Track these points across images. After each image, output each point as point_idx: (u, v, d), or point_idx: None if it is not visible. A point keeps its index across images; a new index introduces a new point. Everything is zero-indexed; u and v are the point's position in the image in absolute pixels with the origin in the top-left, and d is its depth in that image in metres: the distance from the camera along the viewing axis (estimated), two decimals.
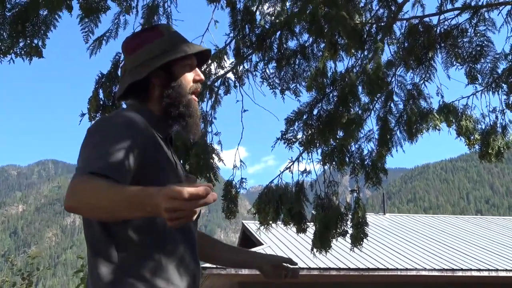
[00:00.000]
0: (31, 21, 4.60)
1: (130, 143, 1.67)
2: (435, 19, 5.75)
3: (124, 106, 2.01)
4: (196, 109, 1.94)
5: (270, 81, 5.63)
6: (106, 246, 1.70)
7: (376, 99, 5.90)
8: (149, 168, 1.74)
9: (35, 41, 4.67)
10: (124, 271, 1.68)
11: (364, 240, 6.00)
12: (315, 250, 5.90)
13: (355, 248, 6.04)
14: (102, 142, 1.66)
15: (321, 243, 5.75)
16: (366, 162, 5.96)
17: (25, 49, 4.66)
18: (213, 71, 5.51)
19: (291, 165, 5.90)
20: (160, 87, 1.91)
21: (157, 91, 1.91)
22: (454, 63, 5.77)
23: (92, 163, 1.59)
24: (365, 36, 5.46)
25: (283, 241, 13.98)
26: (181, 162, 2.10)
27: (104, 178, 1.54)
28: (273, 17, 5.59)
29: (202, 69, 3.66)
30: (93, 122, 1.83)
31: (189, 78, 1.94)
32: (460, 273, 12.29)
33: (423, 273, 12.19)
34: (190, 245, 1.82)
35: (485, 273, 12.39)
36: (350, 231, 5.97)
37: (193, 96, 1.95)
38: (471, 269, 12.41)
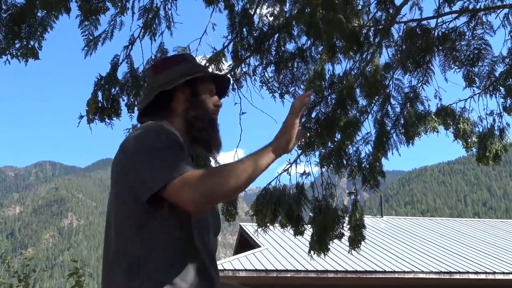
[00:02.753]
0: (27, 22, 4.60)
1: (183, 150, 1.89)
2: (433, 22, 5.76)
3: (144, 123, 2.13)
4: (217, 127, 2.12)
5: (269, 85, 5.63)
6: (148, 251, 1.84)
7: (374, 102, 5.91)
8: None
9: (31, 43, 4.67)
10: (165, 274, 1.82)
11: (362, 242, 6.01)
12: (312, 252, 5.90)
13: (352, 251, 6.04)
14: (170, 152, 1.84)
15: (319, 245, 5.75)
16: (363, 165, 5.97)
17: (21, 50, 4.65)
18: None
19: (289, 167, 5.90)
20: (184, 102, 2.07)
21: (181, 106, 2.07)
22: (452, 66, 5.78)
23: (181, 168, 1.79)
24: (363, 39, 5.46)
25: (280, 243, 13.97)
26: None
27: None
28: (271, 19, 5.59)
29: None
30: (131, 139, 1.95)
31: (209, 100, 2.12)
32: (457, 276, 12.28)
33: (421, 275, 12.19)
34: (209, 253, 1.96)
35: (483, 276, 12.39)
36: (347, 233, 5.97)
37: (214, 115, 2.12)
38: (468, 272, 12.41)
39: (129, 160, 1.88)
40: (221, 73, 2.25)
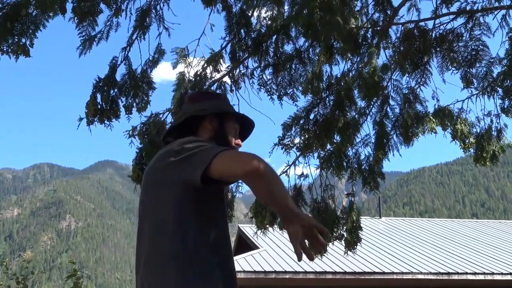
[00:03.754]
0: (20, 20, 4.60)
1: None
2: (430, 24, 5.77)
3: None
4: None
5: (267, 87, 5.63)
6: (186, 257, 1.99)
7: (372, 103, 5.91)
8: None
9: (23, 40, 4.67)
10: (201, 277, 1.98)
11: (359, 244, 6.00)
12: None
13: (349, 252, 6.04)
14: (213, 146, 2.08)
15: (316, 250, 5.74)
16: (363, 167, 5.97)
17: (12, 47, 4.65)
18: (209, 75, 5.52)
19: (287, 169, 5.90)
20: (211, 131, 2.29)
21: (206, 135, 2.28)
22: (450, 67, 5.79)
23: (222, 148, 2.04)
24: (360, 40, 5.47)
25: (279, 245, 13.96)
26: None
27: None
28: (269, 21, 5.59)
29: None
30: (175, 142, 2.21)
31: (232, 138, 2.33)
32: (455, 277, 12.28)
33: (419, 276, 12.18)
34: (231, 255, 2.16)
35: (481, 277, 12.39)
36: (346, 234, 5.97)
37: None
38: (467, 273, 12.41)
39: (181, 155, 2.06)
40: (249, 117, 2.44)
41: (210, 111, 2.29)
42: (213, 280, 2.00)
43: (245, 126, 2.43)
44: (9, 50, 4.64)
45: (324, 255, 5.94)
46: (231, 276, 2.09)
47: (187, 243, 2.00)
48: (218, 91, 5.27)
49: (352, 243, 5.90)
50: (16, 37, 4.64)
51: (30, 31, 4.67)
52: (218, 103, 2.36)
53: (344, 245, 5.98)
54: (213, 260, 2.02)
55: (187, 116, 2.31)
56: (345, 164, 5.89)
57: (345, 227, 5.93)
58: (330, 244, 5.92)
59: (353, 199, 6.12)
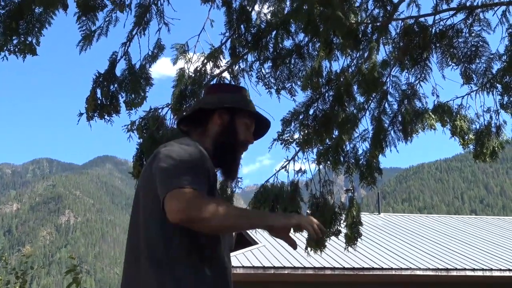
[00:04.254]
0: (25, 19, 4.59)
1: (207, 167, 2.03)
2: (430, 19, 5.76)
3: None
4: (239, 157, 2.28)
5: (265, 81, 5.62)
6: (172, 262, 1.95)
7: (371, 98, 5.91)
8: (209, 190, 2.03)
9: (29, 39, 4.66)
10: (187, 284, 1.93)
11: (359, 239, 6.01)
12: (309, 249, 5.90)
13: (349, 248, 6.04)
14: (190, 164, 1.98)
15: (316, 243, 5.76)
16: (360, 162, 5.97)
17: (18, 46, 4.65)
18: (208, 70, 5.51)
19: (286, 164, 5.90)
20: (219, 126, 2.24)
21: (215, 128, 2.24)
22: (449, 63, 5.78)
23: (190, 181, 1.90)
24: (360, 36, 5.46)
25: (277, 240, 13.98)
26: None
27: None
28: (269, 16, 5.59)
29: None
30: (167, 147, 2.11)
31: (243, 133, 2.28)
32: (454, 273, 12.30)
33: (418, 272, 12.20)
34: (221, 254, 2.09)
35: (480, 273, 12.41)
36: (344, 230, 5.97)
37: (242, 147, 2.29)
38: (465, 269, 12.43)
39: (159, 164, 2.01)
40: (264, 116, 2.38)
41: (217, 105, 2.25)
42: (196, 278, 1.95)
43: (261, 125, 2.39)
44: (16, 49, 4.64)
45: (323, 251, 5.95)
46: (221, 275, 2.03)
47: (172, 245, 1.96)
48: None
49: (352, 238, 5.91)
50: (22, 36, 4.64)
51: (36, 29, 4.67)
52: (232, 97, 2.30)
53: (344, 240, 5.98)
54: (196, 261, 1.96)
55: (195, 108, 2.30)
56: (342, 159, 5.89)
57: (345, 223, 5.94)
58: (329, 240, 5.92)
59: (353, 195, 6.13)
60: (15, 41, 4.62)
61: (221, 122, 2.24)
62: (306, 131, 5.69)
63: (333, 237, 5.88)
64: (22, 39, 4.62)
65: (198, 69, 5.37)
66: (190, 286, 1.92)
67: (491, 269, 12.56)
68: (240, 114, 2.27)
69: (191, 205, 1.85)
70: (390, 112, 5.97)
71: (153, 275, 1.92)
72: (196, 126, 2.27)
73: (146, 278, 1.94)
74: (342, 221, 5.88)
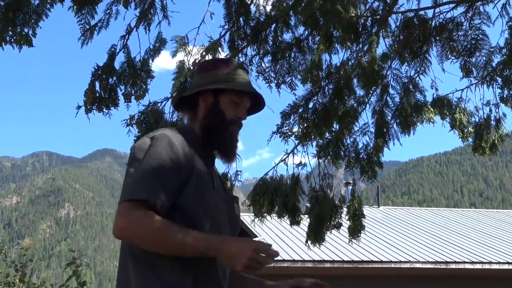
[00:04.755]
0: (22, 10, 4.58)
1: (172, 168, 1.89)
2: (430, 12, 5.74)
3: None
4: (231, 137, 2.12)
5: (265, 75, 5.61)
6: (152, 261, 1.89)
7: (371, 92, 5.90)
8: (185, 188, 1.93)
9: (26, 30, 4.65)
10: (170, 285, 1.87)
11: (362, 232, 6.03)
12: (309, 242, 5.91)
13: (353, 240, 6.05)
14: (148, 170, 1.88)
15: (315, 236, 5.77)
16: (361, 156, 5.97)
17: (15, 37, 4.64)
18: None
19: (286, 158, 5.90)
20: (204, 109, 2.12)
21: (202, 112, 2.12)
22: (449, 56, 5.77)
23: (141, 191, 1.84)
24: (360, 29, 5.45)
25: (276, 233, 14.00)
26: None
27: (151, 206, 1.83)
28: (269, 9, 5.57)
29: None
30: (137, 143, 2.02)
31: (232, 111, 2.12)
32: (453, 266, 12.33)
33: (417, 265, 12.23)
34: (221, 270, 2.01)
35: (479, 266, 12.44)
36: (344, 223, 5.98)
37: (232, 126, 2.13)
38: (464, 262, 12.46)
39: (129, 159, 1.99)
40: (253, 89, 2.21)
41: (198, 88, 2.12)
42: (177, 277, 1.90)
43: (256, 100, 2.25)
44: (12, 40, 4.63)
45: (322, 244, 5.96)
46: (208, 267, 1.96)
47: None
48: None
49: (356, 231, 5.92)
50: (18, 27, 4.62)
51: (33, 21, 4.66)
52: (215, 75, 2.13)
53: (343, 234, 6.00)
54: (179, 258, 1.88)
55: (179, 97, 2.23)
56: (342, 153, 5.89)
57: (347, 216, 5.95)
58: (329, 233, 5.93)
59: (354, 188, 6.13)
60: (11, 32, 4.61)
61: (206, 105, 2.12)
62: (305, 125, 5.68)
63: (332, 230, 5.89)
64: (19, 30, 4.61)
65: (197, 61, 5.35)
66: (173, 282, 1.87)
67: (490, 262, 12.59)
68: (225, 92, 2.12)
69: (133, 224, 1.81)
70: (392, 105, 5.97)
71: (136, 273, 1.89)
72: (190, 110, 2.18)
73: (132, 276, 1.90)
74: (343, 214, 5.89)
